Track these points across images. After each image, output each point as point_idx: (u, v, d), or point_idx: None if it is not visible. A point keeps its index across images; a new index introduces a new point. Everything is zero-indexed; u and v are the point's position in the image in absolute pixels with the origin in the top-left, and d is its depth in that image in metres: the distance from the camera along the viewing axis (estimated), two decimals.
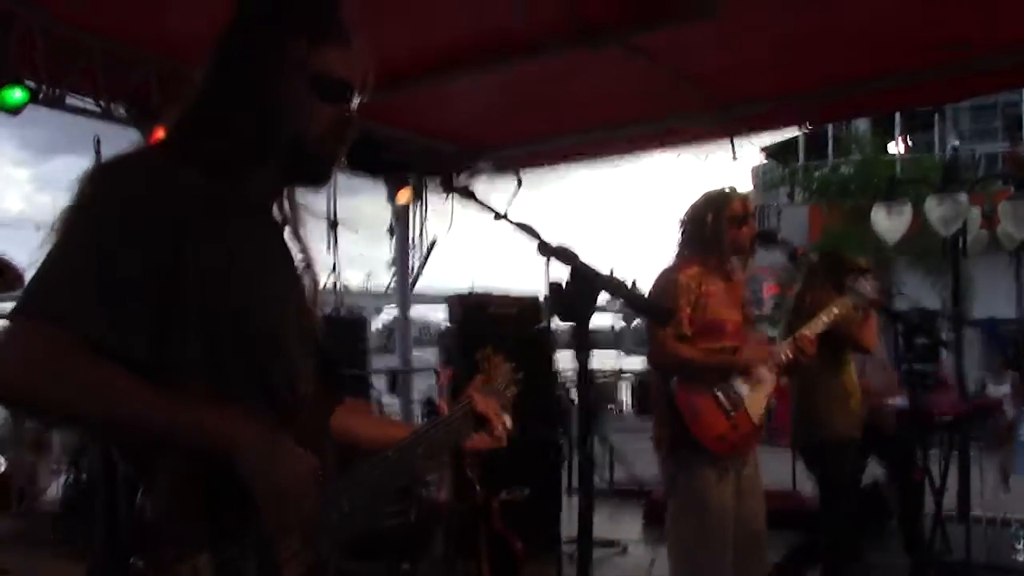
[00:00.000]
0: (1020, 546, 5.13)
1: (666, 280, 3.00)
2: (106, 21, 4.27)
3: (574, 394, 8.04)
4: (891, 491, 5.12)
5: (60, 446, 5.33)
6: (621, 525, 6.15)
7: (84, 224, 1.18)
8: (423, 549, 3.86)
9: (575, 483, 6.53)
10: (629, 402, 17.14)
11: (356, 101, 1.37)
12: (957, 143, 12.86)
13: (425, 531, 3.84)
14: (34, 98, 4.33)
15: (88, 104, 4.69)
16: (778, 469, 4.01)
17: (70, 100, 4.62)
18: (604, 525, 5.90)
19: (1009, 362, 11.57)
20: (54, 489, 5.75)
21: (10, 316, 1.14)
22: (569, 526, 5.04)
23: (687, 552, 2.90)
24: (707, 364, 2.92)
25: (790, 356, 3.09)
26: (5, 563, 3.73)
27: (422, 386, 7.09)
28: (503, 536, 3.66)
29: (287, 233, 1.41)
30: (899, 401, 4.64)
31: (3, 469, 5.09)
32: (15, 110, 4.25)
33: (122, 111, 4.71)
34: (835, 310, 3.27)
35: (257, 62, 1.30)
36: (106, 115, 4.70)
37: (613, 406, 16.75)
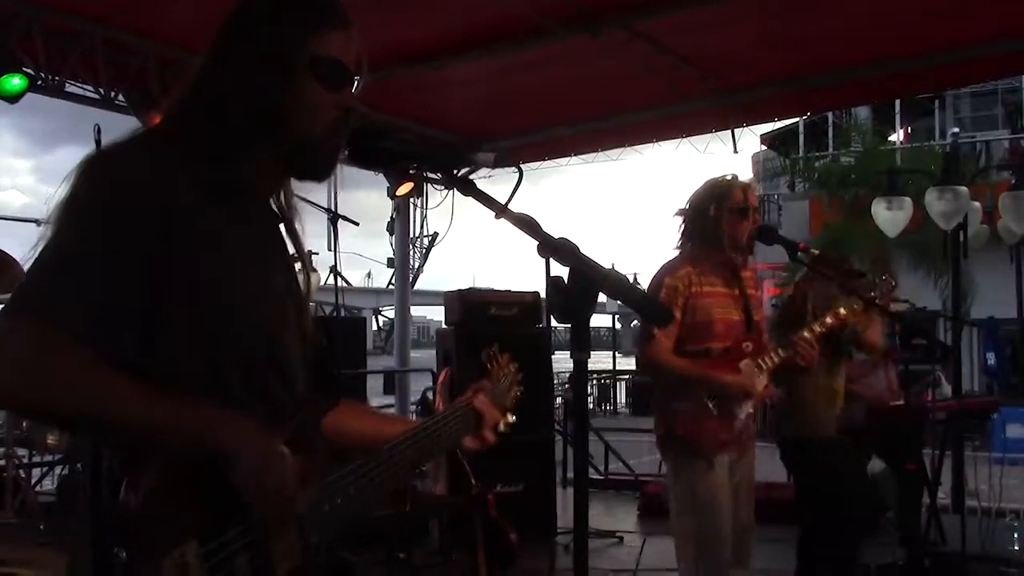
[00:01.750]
0: (1015, 536, 5.15)
1: (656, 283, 2.96)
2: (104, 8, 4.25)
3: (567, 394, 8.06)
4: (888, 484, 5.16)
5: (56, 439, 5.34)
6: (616, 516, 6.17)
7: (75, 220, 1.17)
8: (419, 540, 3.88)
9: (570, 475, 6.56)
10: (625, 402, 17.18)
11: (357, 86, 1.34)
12: (957, 130, 12.82)
13: (421, 522, 3.85)
14: (33, 85, 4.31)
15: (88, 91, 4.67)
16: (773, 463, 4.01)
17: (69, 88, 4.61)
18: (599, 516, 5.94)
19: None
20: (50, 482, 5.77)
21: (1, 314, 1.13)
22: (564, 517, 5.06)
23: (687, 547, 2.91)
24: (689, 376, 2.89)
25: (784, 358, 3.04)
26: (2, 555, 3.74)
27: (418, 388, 7.10)
28: (498, 527, 3.68)
29: (284, 228, 1.39)
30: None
31: None
32: (14, 98, 4.23)
33: (121, 99, 4.69)
34: (842, 311, 3.23)
35: (258, 49, 1.28)
36: (106, 102, 4.68)
37: (607, 405, 16.80)
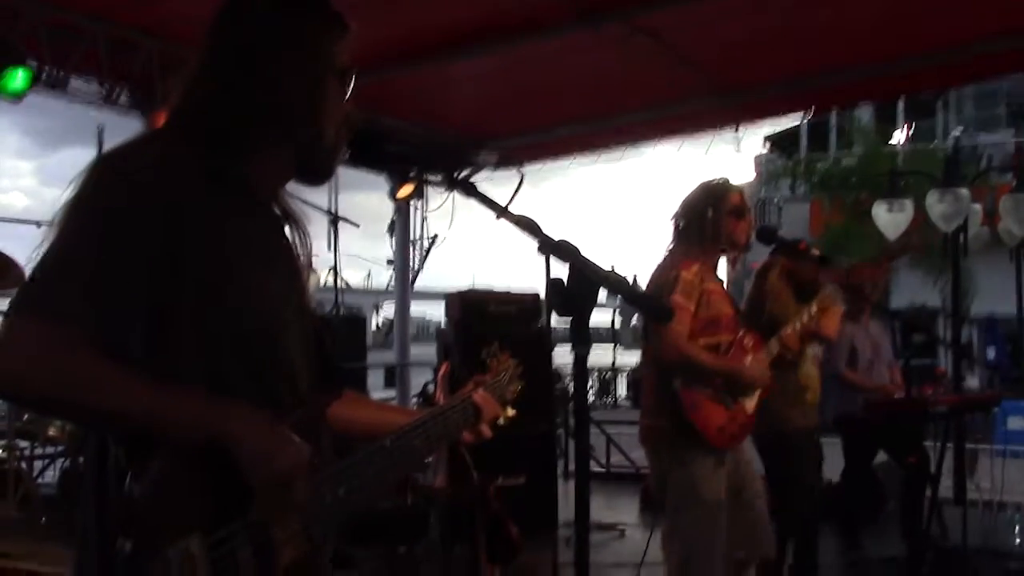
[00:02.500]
0: (1016, 530, 5.17)
1: (670, 277, 2.94)
2: (107, 3, 4.26)
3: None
4: (890, 476, 5.18)
5: (58, 430, 5.35)
6: (618, 509, 6.17)
7: (81, 220, 1.19)
8: (419, 533, 3.89)
9: (572, 468, 6.55)
10: (626, 394, 17.26)
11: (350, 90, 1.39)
12: (960, 129, 12.76)
13: (421, 516, 3.86)
14: (36, 81, 4.30)
15: (91, 86, 4.66)
16: None
17: (73, 84, 4.59)
18: (601, 509, 5.91)
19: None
20: (52, 474, 5.78)
21: (7, 313, 1.14)
22: (566, 510, 5.06)
23: (684, 544, 2.89)
24: (717, 371, 2.90)
25: (775, 353, 3.12)
26: (4, 547, 3.75)
27: (419, 382, 7.12)
28: (500, 520, 3.68)
29: (287, 228, 1.40)
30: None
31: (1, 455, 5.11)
32: (18, 95, 4.23)
33: (125, 97, 4.69)
34: (814, 308, 3.30)
35: (286, 51, 1.30)
36: (109, 101, 4.68)
37: (607, 398, 16.88)
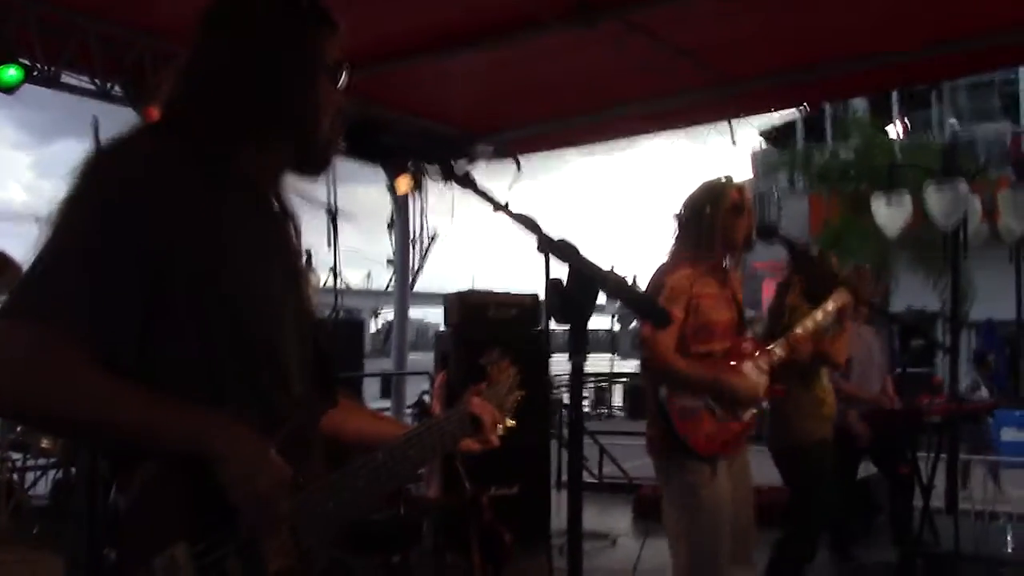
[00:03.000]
0: (1008, 537, 5.15)
1: (658, 284, 2.94)
2: (100, 3, 4.23)
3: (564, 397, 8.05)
4: (881, 487, 5.15)
5: (51, 442, 5.32)
6: (611, 518, 6.16)
7: (74, 221, 1.17)
8: (413, 542, 3.86)
9: (565, 478, 6.52)
10: (621, 405, 17.17)
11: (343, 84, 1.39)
12: (955, 121, 12.66)
13: (415, 525, 3.83)
14: (29, 77, 4.28)
15: (84, 82, 4.64)
16: (770, 466, 3.99)
17: (66, 79, 4.58)
18: (594, 518, 5.92)
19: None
20: (43, 485, 5.75)
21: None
22: (558, 520, 5.04)
23: (685, 551, 2.86)
24: (698, 382, 2.87)
25: (783, 356, 3.07)
26: None
27: (416, 391, 7.07)
28: (493, 529, 3.66)
29: (288, 227, 1.39)
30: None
31: None
32: (10, 89, 4.22)
33: (118, 90, 4.66)
34: (829, 306, 3.27)
35: (282, 47, 1.30)
36: (103, 94, 4.66)
37: (603, 408, 16.83)
